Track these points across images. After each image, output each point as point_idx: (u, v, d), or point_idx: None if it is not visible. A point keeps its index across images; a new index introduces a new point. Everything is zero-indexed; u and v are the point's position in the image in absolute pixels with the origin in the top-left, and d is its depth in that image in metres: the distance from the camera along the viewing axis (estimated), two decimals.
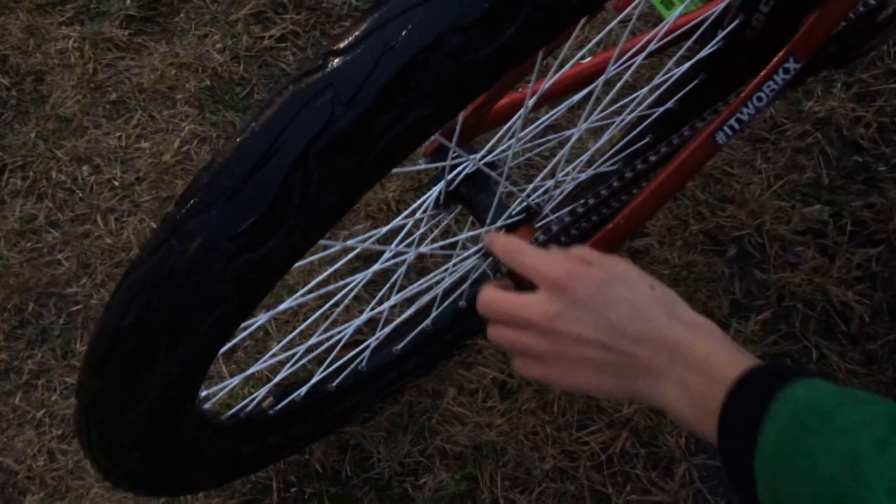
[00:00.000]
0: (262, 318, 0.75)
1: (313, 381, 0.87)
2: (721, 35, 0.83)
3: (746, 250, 1.15)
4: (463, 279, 0.92)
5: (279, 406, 0.86)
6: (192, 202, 0.44)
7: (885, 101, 1.26)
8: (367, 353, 0.96)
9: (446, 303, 1.01)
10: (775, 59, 0.69)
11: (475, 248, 0.77)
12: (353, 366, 0.95)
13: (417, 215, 0.77)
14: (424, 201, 0.74)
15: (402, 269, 0.84)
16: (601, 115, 0.80)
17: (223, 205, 0.42)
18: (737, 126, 0.71)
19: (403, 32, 0.40)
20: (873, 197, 1.18)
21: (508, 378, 1.06)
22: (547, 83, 0.71)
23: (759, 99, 0.70)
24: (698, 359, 0.48)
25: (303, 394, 0.89)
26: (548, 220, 0.76)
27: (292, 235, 0.43)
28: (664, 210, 1.18)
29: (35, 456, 1.03)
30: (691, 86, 0.91)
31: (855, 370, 1.05)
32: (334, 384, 0.94)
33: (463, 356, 1.08)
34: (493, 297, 0.56)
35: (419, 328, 1.00)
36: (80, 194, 1.21)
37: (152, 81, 1.29)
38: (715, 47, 0.85)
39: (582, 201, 0.75)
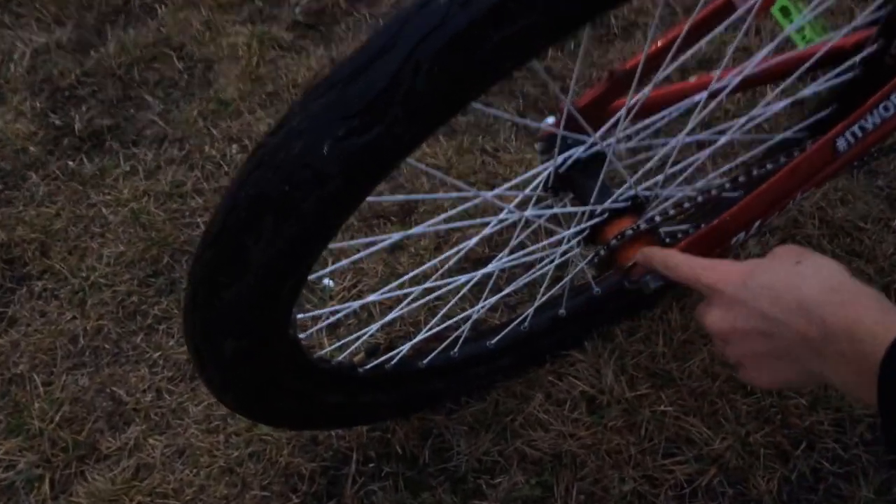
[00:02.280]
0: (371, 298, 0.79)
1: (405, 348, 0.90)
2: (858, 61, 0.83)
3: None
4: (560, 275, 0.93)
5: (368, 366, 0.88)
6: (313, 90, 0.49)
7: None
8: (461, 340, 0.98)
9: (544, 304, 1.02)
10: None
11: (575, 228, 0.79)
12: (444, 349, 0.97)
13: (527, 190, 0.80)
14: (536, 175, 0.77)
15: (517, 230, 0.85)
16: (713, 128, 0.81)
17: (338, 91, 0.47)
18: (860, 134, 0.70)
19: None
20: None
21: (598, 394, 1.05)
22: (649, 87, 0.73)
23: (886, 109, 0.69)
24: (843, 327, 0.48)
25: (393, 362, 0.92)
26: (653, 211, 0.77)
27: (396, 125, 0.47)
28: None
29: (145, 391, 1.11)
30: (822, 114, 0.90)
31: None
32: (424, 362, 0.96)
33: (555, 365, 1.08)
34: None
35: (514, 325, 1.01)
36: (226, 168, 1.31)
37: (306, 79, 1.40)
38: (851, 75, 0.85)
39: (689, 195, 0.75)
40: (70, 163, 1.35)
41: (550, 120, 0.83)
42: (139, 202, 1.29)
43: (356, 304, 0.83)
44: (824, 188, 1.20)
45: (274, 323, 0.61)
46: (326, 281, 1.17)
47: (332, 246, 0.77)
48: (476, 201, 0.75)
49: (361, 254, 0.75)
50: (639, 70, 0.68)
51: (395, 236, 0.71)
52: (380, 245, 0.71)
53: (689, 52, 0.74)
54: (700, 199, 0.77)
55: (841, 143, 0.70)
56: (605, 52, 1.47)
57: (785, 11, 1.04)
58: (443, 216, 0.80)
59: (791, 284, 0.52)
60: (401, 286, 0.90)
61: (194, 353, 0.63)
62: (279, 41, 1.48)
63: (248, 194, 0.51)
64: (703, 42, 0.74)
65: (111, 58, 1.47)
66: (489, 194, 0.71)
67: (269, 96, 1.40)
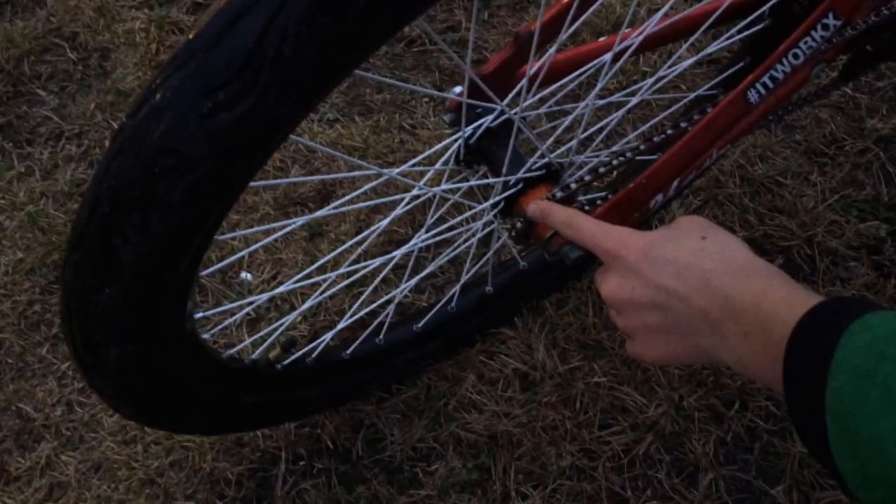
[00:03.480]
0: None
1: (326, 338, 0.86)
2: (767, 11, 0.80)
3: (795, 261, 1.09)
4: (485, 251, 0.90)
5: (287, 361, 0.84)
6: (171, 60, 0.43)
7: None
8: (385, 325, 0.94)
9: (470, 283, 0.98)
10: (814, 14, 0.66)
11: (491, 201, 0.75)
12: (369, 336, 0.93)
13: (438, 165, 0.76)
14: (446, 148, 0.73)
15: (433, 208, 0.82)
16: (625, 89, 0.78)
17: (198, 61, 0.42)
18: (770, 84, 0.68)
19: None
20: None
21: (531, 370, 1.02)
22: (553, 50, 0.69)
23: (795, 56, 0.67)
24: (749, 304, 0.46)
25: (314, 355, 0.87)
26: (568, 179, 0.74)
27: (267, 95, 0.42)
28: (708, 214, 1.13)
29: (54, 406, 1.04)
30: (735, 68, 0.88)
31: None
32: (349, 352, 0.92)
33: (486, 344, 1.05)
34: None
35: (441, 306, 0.97)
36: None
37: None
38: (761, 25, 0.83)
39: (604, 160, 0.72)
40: None
41: (458, 90, 0.79)
42: (36, 205, 1.20)
43: (264, 296, 0.78)
44: (743, 146, 1.19)
45: (162, 325, 0.56)
46: (244, 274, 1.11)
47: (242, 233, 0.72)
48: (382, 180, 0.70)
49: (266, 240, 0.70)
50: (536, 33, 0.65)
51: (301, 220, 0.66)
52: (285, 231, 0.66)
53: (590, 11, 0.71)
54: (615, 162, 0.74)
55: (752, 95, 0.68)
56: (521, 18, 1.43)
57: None
58: (353, 194, 0.76)
59: (695, 259, 0.51)
60: (319, 272, 0.86)
61: (78, 364, 0.57)
62: (179, 24, 1.40)
63: (110, 187, 0.46)
64: (601, 1, 0.71)
65: None
66: (394, 171, 0.67)
67: None
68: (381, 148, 1.25)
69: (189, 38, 0.43)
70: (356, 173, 0.81)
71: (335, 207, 0.70)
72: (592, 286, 1.08)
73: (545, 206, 0.67)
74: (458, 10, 1.46)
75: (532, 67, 0.73)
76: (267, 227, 0.66)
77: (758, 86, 0.67)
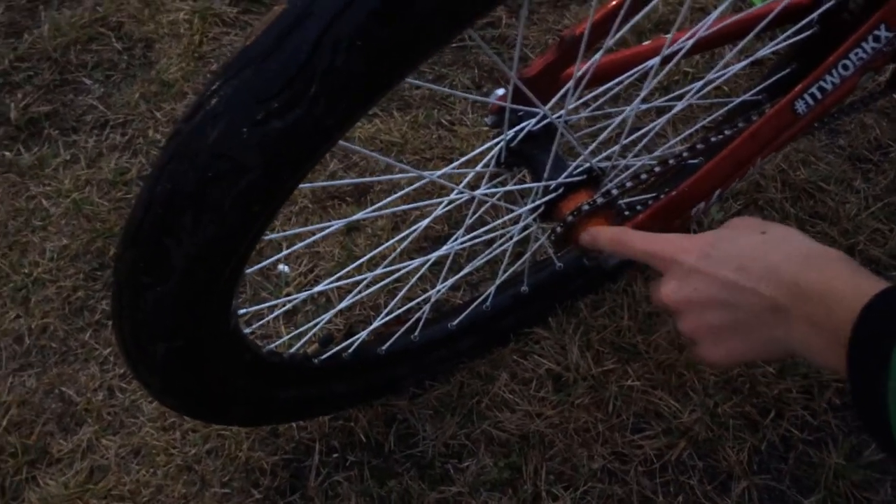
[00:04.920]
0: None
1: (362, 335, 0.86)
2: (816, 17, 0.79)
3: None
4: (521, 251, 0.90)
5: (324, 356, 0.85)
6: (228, 67, 0.44)
7: None
8: (420, 323, 0.95)
9: (506, 282, 0.99)
10: (865, 26, 0.65)
11: (530, 205, 0.75)
12: (404, 333, 0.94)
13: (479, 168, 0.76)
14: (487, 151, 0.73)
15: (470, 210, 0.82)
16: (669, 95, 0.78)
17: (252, 69, 0.43)
18: (819, 95, 0.67)
19: None
20: None
21: (564, 371, 1.02)
22: (599, 56, 0.69)
23: (845, 67, 0.66)
24: (817, 290, 0.46)
25: (351, 350, 0.89)
26: (609, 184, 0.73)
27: (318, 105, 0.43)
28: None
29: (96, 390, 1.07)
30: (782, 74, 0.87)
31: None
32: (384, 348, 0.93)
33: (520, 344, 1.05)
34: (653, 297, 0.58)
35: (476, 305, 0.98)
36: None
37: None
38: (809, 32, 0.82)
39: (646, 166, 0.72)
40: (7, 153, 1.28)
41: (500, 92, 0.79)
42: (81, 192, 1.23)
43: (305, 293, 0.79)
44: (785, 150, 1.17)
45: (208, 321, 0.57)
46: (282, 267, 1.13)
47: (285, 234, 0.73)
48: (423, 182, 0.71)
49: (306, 241, 0.71)
50: (584, 40, 0.64)
51: (339, 223, 0.67)
52: (324, 232, 0.67)
53: (639, 16, 0.70)
54: (658, 168, 0.74)
55: (800, 106, 0.67)
56: (561, 16, 1.42)
57: None
58: (391, 197, 0.76)
59: (758, 252, 0.50)
60: (355, 271, 0.87)
61: (126, 358, 0.59)
62: (222, 16, 1.42)
63: (164, 189, 0.47)
64: (651, 5, 0.71)
65: (46, 40, 1.40)
66: (436, 174, 0.68)
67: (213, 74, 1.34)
68: (419, 144, 1.26)
69: (245, 46, 0.44)
70: (398, 176, 0.82)
71: (374, 210, 0.70)
72: (629, 288, 1.08)
73: (593, 233, 0.67)
74: (499, 7, 1.45)
75: (578, 70, 0.73)
76: (306, 228, 0.67)
77: (806, 96, 0.67)
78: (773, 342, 0.50)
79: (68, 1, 1.47)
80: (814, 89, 0.66)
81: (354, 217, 0.70)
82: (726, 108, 0.85)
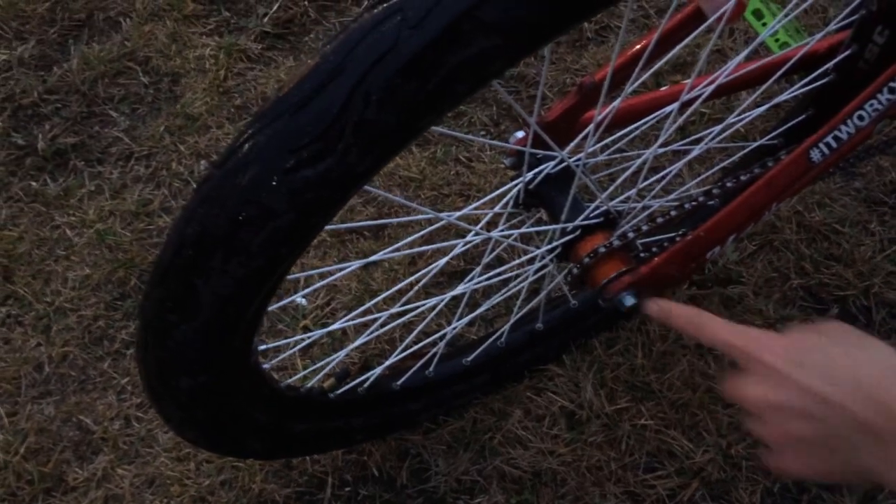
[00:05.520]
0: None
1: (377, 371, 0.87)
2: (833, 66, 0.81)
3: (850, 311, 1.08)
4: (537, 288, 0.91)
5: (340, 391, 0.86)
6: (259, 117, 0.46)
7: None
8: (435, 358, 0.95)
9: (521, 319, 1.00)
10: (882, 77, 0.66)
11: (547, 246, 0.77)
12: (419, 368, 0.95)
13: (497, 209, 0.77)
14: (506, 192, 0.74)
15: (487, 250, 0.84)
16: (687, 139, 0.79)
17: (286, 119, 0.44)
18: (834, 144, 0.68)
19: None
20: None
21: (578, 409, 1.03)
22: (622, 98, 0.71)
23: (861, 118, 0.67)
24: None
25: (366, 385, 0.89)
26: (625, 227, 0.75)
27: (349, 155, 0.44)
28: (763, 260, 1.13)
29: (113, 419, 1.08)
30: (798, 119, 0.88)
31: None
32: (398, 383, 0.94)
33: (534, 380, 1.06)
34: (728, 389, 0.55)
35: (491, 341, 0.99)
36: (195, 186, 1.28)
37: (275, 91, 1.37)
38: (825, 80, 0.83)
39: (662, 208, 0.73)
40: (33, 183, 1.31)
41: (519, 135, 0.81)
42: (105, 223, 1.25)
43: (321, 331, 0.81)
44: (801, 192, 1.18)
45: (231, 358, 0.58)
46: (299, 299, 1.14)
47: (305, 274, 0.75)
48: (441, 224, 0.72)
49: (328, 280, 0.72)
50: (605, 86, 0.66)
51: (355, 264, 0.69)
52: (342, 273, 0.68)
53: (659, 64, 0.72)
54: (674, 212, 0.75)
55: (815, 154, 0.68)
56: (579, 57, 1.45)
57: (758, 14, 1.02)
58: (409, 238, 0.78)
59: (851, 366, 0.48)
60: (371, 310, 0.88)
61: (149, 392, 0.60)
62: (247, 52, 1.45)
63: (195, 231, 0.48)
64: (672, 53, 0.72)
65: (75, 74, 1.43)
66: (454, 215, 0.69)
67: (237, 110, 1.37)
68: (437, 180, 1.28)
69: (279, 96, 0.46)
70: (414, 217, 0.83)
71: (391, 251, 0.72)
72: (643, 327, 1.08)
73: (665, 308, 0.64)
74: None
75: (598, 115, 0.75)
76: (322, 269, 0.69)
77: (821, 145, 0.68)
78: (861, 467, 0.47)
79: (98, 35, 1.50)
80: (829, 138, 0.68)
81: (371, 259, 0.72)
82: (742, 153, 0.87)
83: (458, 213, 0.70)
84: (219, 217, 0.47)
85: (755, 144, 0.87)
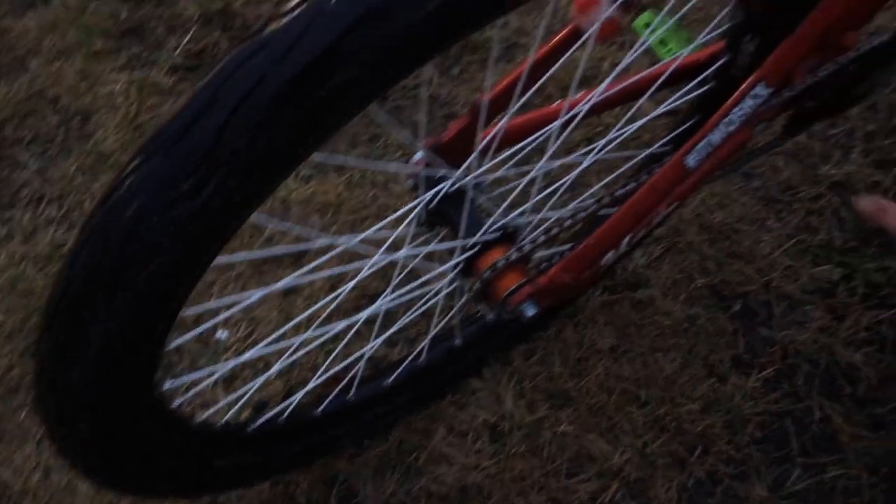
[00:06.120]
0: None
1: (295, 399, 0.88)
2: (712, 73, 0.85)
3: (752, 307, 1.13)
4: (452, 302, 0.93)
5: (258, 423, 0.86)
6: (140, 152, 0.47)
7: None
8: (356, 381, 0.96)
9: (439, 336, 1.01)
10: (745, 85, 0.70)
11: (450, 263, 0.79)
12: (340, 392, 0.95)
13: (399, 230, 0.79)
14: (408, 212, 0.77)
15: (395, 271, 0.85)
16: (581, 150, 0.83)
17: (164, 153, 0.46)
18: (708, 149, 0.72)
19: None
20: (888, 260, 1.15)
21: (500, 421, 1.05)
22: (510, 113, 0.74)
23: (730, 123, 0.71)
24: None
25: (286, 414, 0.90)
26: (524, 241, 0.77)
27: (228, 186, 0.46)
28: (669, 262, 1.17)
29: (32, 471, 1.05)
30: (686, 126, 0.93)
31: (860, 434, 1.01)
32: (320, 410, 0.95)
33: (456, 396, 1.07)
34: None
35: (410, 360, 1.00)
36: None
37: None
38: (706, 87, 0.88)
39: (559, 220, 0.76)
40: None
41: (418, 156, 0.83)
42: (17, 268, 1.23)
43: (230, 363, 0.81)
44: (702, 194, 1.24)
45: (131, 398, 0.58)
46: (219, 333, 1.14)
47: (215, 305, 0.75)
48: (351, 244, 0.74)
49: (234, 310, 0.73)
50: (481, 114, 0.69)
51: (257, 294, 0.70)
52: (245, 303, 0.69)
53: (541, 81, 0.75)
54: (568, 223, 0.78)
55: (690, 160, 0.72)
56: (481, 75, 1.48)
57: (649, 26, 1.07)
58: (320, 259, 0.79)
59: None
60: (292, 332, 0.88)
61: (50, 436, 0.60)
62: (159, 86, 1.44)
63: (81, 269, 0.49)
64: (552, 69, 0.76)
65: None
66: (355, 240, 0.71)
67: None
68: (355, 203, 1.29)
69: (157, 131, 0.47)
70: (308, 245, 0.83)
71: (299, 276, 0.73)
72: (559, 335, 1.11)
73: (881, 205, 0.72)
74: (430, 65, 1.51)
75: (485, 136, 0.77)
76: (230, 299, 0.69)
77: (695, 151, 0.72)
78: None
79: (4, 77, 1.48)
80: (702, 144, 0.72)
81: (271, 288, 0.73)
82: (633, 161, 0.90)
83: (359, 237, 0.72)
84: (104, 254, 0.48)
85: (647, 152, 0.91)
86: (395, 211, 1.28)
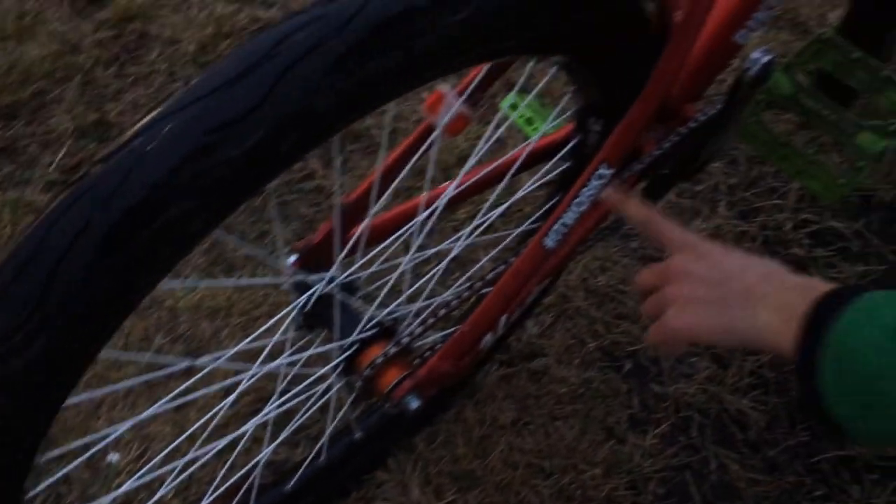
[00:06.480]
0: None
1: None
2: (565, 155, 0.90)
3: (642, 364, 1.17)
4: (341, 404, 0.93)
5: None
6: None
7: (767, 216, 1.32)
8: (254, 493, 0.94)
9: (338, 432, 1.00)
10: (590, 167, 0.74)
11: (330, 365, 0.79)
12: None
13: (277, 336, 0.79)
14: (283, 319, 0.76)
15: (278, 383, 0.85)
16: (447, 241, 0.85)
17: None
18: (563, 230, 0.75)
19: (155, 141, 0.45)
20: None
21: None
22: (375, 210, 0.76)
23: (579, 204, 0.75)
24: (801, 286, 0.56)
25: None
26: (401, 334, 0.78)
27: (59, 336, 0.45)
28: (560, 329, 1.20)
29: None
30: (552, 203, 0.96)
31: (756, 478, 1.04)
32: None
33: (362, 491, 1.06)
34: (642, 272, 0.70)
35: (311, 461, 0.98)
36: None
37: None
38: (564, 166, 0.92)
39: (435, 309, 0.78)
40: None
41: (292, 259, 0.84)
42: None
43: (120, 490, 0.78)
44: (584, 259, 1.28)
45: None
46: (110, 456, 1.09)
47: (83, 442, 0.73)
48: (207, 369, 0.73)
49: (128, 422, 0.70)
50: (336, 217, 0.70)
51: (124, 424, 0.68)
52: (119, 433, 0.67)
53: (400, 177, 0.77)
54: (442, 312, 0.79)
55: (549, 241, 0.75)
56: (373, 161, 1.51)
57: (515, 107, 1.12)
58: (182, 386, 0.78)
59: (759, 265, 0.61)
60: (180, 450, 0.86)
61: None
62: (34, 205, 1.41)
63: None
64: (408, 166, 0.78)
65: None
66: (224, 356, 0.70)
67: None
68: (246, 305, 1.28)
69: None
70: (166, 372, 0.81)
71: (163, 403, 0.72)
72: (460, 415, 1.12)
73: (623, 199, 0.75)
74: (314, 159, 1.53)
75: (351, 236, 0.79)
76: (97, 438, 0.67)
77: (552, 232, 0.75)
78: (734, 324, 0.58)
79: None
80: (558, 225, 0.75)
81: (144, 415, 0.71)
82: (503, 244, 0.93)
83: (229, 353, 0.71)
84: None
85: (516, 231, 0.94)
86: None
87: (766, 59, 0.73)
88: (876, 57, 0.92)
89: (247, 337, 0.99)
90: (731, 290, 0.60)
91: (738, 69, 0.77)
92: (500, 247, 0.91)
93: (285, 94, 0.45)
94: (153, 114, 0.46)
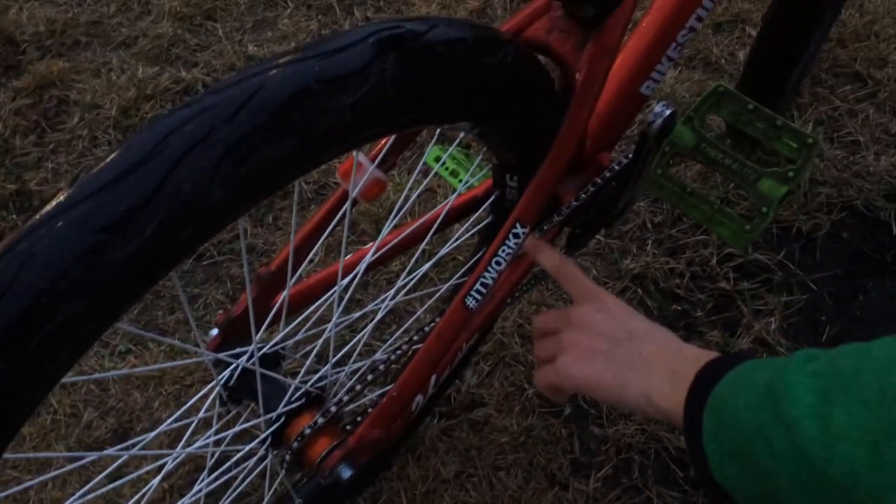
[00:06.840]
0: None
1: None
2: (489, 206, 0.91)
3: (581, 407, 1.17)
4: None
5: None
6: None
7: (693, 252, 1.35)
8: None
9: (277, 502, 0.98)
10: (505, 226, 0.75)
11: (259, 439, 0.77)
12: None
13: (201, 414, 0.77)
14: (206, 397, 0.75)
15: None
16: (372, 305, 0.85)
17: None
18: (483, 290, 0.75)
19: (42, 242, 0.44)
20: (694, 341, 1.23)
21: None
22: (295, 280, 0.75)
23: (498, 263, 0.75)
24: (695, 355, 0.59)
25: None
26: (329, 402, 0.77)
27: None
28: (499, 377, 1.20)
29: None
30: (474, 260, 0.97)
31: None
32: None
33: None
34: (543, 314, 0.73)
35: None
36: None
37: None
38: (486, 221, 0.93)
39: (363, 375, 0.77)
40: None
41: (214, 332, 0.82)
42: None
43: None
44: (519, 305, 1.29)
45: None
46: None
47: None
48: (150, 438, 0.71)
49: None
50: (249, 292, 0.70)
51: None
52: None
53: (316, 246, 0.77)
54: (370, 377, 0.79)
55: (471, 301, 0.75)
56: (304, 217, 1.50)
57: (438, 160, 1.12)
58: (113, 465, 0.75)
59: (660, 327, 0.65)
60: None
61: None
62: None
63: None
64: (325, 234, 0.78)
65: None
66: (148, 438, 0.68)
67: None
68: (179, 372, 1.25)
69: None
70: (82, 462, 0.79)
71: (92, 487, 0.69)
72: (403, 472, 1.10)
73: (539, 249, 0.77)
74: (244, 218, 1.51)
75: (272, 305, 0.78)
76: None
77: (473, 293, 0.75)
78: (625, 384, 0.60)
79: None
80: (478, 286, 0.75)
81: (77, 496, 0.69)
82: (433, 299, 0.93)
83: (151, 436, 0.69)
84: None
85: (444, 287, 0.94)
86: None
87: (667, 112, 0.76)
88: (778, 103, 0.96)
89: (180, 408, 0.97)
90: (632, 350, 0.61)
91: (643, 122, 0.79)
92: (435, 297, 0.91)
93: (176, 188, 0.44)
94: (39, 214, 0.45)
